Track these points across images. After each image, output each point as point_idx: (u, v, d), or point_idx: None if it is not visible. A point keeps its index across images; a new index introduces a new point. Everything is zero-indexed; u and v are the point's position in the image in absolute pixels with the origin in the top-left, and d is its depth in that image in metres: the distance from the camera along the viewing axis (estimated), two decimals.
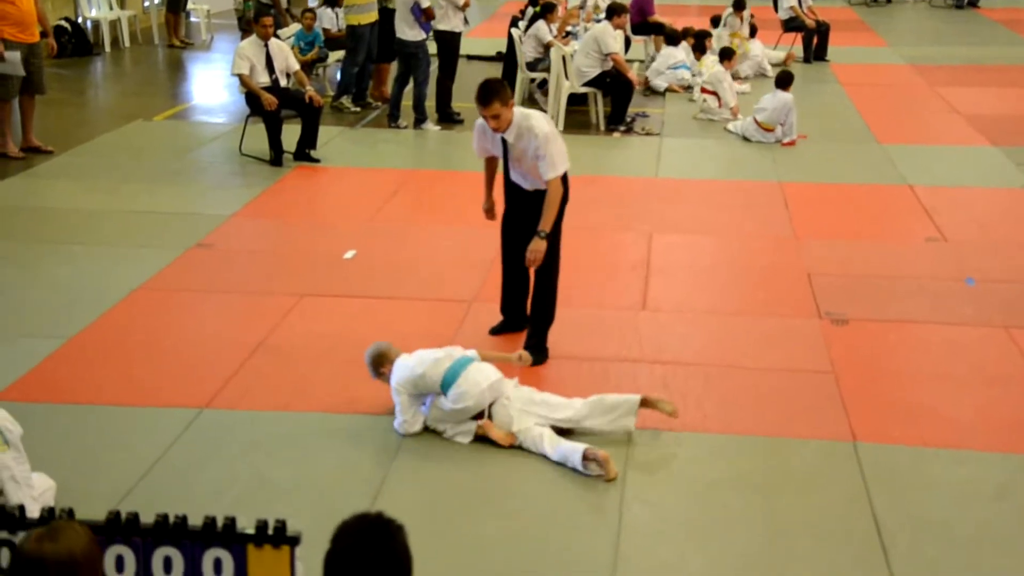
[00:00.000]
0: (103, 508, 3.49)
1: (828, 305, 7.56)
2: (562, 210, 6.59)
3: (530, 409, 5.69)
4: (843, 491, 5.33)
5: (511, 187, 6.74)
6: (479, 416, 5.68)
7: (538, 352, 6.62)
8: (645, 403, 5.73)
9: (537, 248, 6.46)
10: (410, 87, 12.62)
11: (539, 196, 6.51)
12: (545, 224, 6.43)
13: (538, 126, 6.35)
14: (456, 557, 4.78)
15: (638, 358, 6.76)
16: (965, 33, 20.76)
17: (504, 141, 6.48)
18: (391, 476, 5.39)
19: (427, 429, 5.75)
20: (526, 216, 6.60)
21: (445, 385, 5.66)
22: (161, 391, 6.23)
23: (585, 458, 5.35)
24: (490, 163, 6.88)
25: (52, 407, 6.01)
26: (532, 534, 4.99)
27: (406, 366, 5.76)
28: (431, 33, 12.47)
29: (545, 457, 5.50)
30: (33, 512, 3.65)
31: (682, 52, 15.31)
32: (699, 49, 15.20)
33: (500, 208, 6.96)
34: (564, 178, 6.50)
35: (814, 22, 17.30)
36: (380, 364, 5.88)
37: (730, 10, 16.29)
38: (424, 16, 12.18)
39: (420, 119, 12.64)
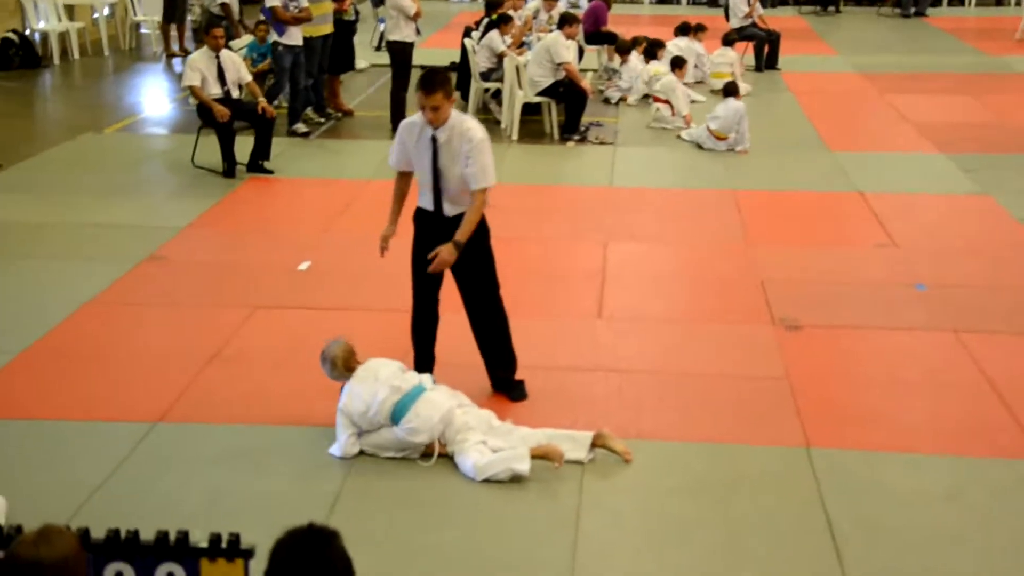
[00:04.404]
0: None
1: (781, 311, 7.63)
2: (487, 230, 6.18)
3: (483, 431, 5.61)
4: (797, 496, 5.37)
5: (423, 216, 6.19)
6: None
7: (518, 391, 6.36)
8: (597, 441, 5.66)
9: (448, 256, 5.96)
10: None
11: (459, 223, 6.02)
12: (462, 235, 5.93)
13: (474, 130, 5.92)
14: (414, 568, 4.77)
15: (594, 367, 6.77)
16: (913, 41, 20.99)
17: (434, 142, 5.96)
18: (346, 488, 5.37)
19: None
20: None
21: (395, 418, 5.59)
22: (113, 406, 6.17)
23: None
24: (402, 180, 6.34)
25: (1, 423, 5.93)
26: (490, 543, 4.98)
27: (358, 397, 5.63)
28: (285, 35, 12.00)
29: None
30: None
31: (638, 63, 15.36)
32: (650, 55, 15.25)
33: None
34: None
35: (763, 31, 17.47)
36: (349, 367, 5.77)
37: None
38: (272, 17, 11.90)
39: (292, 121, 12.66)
